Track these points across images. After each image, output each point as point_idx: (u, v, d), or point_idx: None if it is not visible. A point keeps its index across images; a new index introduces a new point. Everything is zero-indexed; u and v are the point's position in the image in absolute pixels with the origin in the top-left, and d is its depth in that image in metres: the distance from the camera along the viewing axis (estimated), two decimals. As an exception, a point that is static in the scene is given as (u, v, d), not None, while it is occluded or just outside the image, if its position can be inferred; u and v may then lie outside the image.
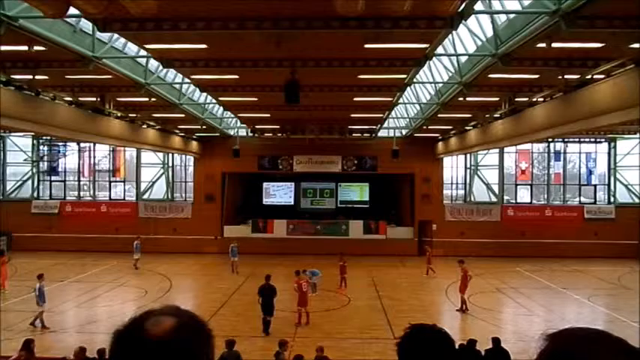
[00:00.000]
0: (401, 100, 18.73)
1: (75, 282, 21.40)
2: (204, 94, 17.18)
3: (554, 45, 9.87)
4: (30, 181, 31.01)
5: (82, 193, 31.48)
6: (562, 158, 30.13)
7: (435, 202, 29.47)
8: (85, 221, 29.72)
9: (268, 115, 20.29)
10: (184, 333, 1.11)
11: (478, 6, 9.39)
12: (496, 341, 10.18)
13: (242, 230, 28.97)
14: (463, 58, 13.99)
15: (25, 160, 30.48)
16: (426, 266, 23.29)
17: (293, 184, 33.16)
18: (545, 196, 30.35)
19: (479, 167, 30.25)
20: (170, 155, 30.50)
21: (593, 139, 29.31)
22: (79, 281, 21.55)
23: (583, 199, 30.20)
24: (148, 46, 10.73)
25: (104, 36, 11.71)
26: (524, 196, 30.50)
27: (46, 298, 14.70)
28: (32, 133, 25.78)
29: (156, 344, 1.07)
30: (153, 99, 16.43)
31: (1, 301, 16.40)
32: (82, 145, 30.11)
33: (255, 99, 16.51)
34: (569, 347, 1.03)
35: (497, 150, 28.54)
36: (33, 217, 29.87)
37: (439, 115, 19.24)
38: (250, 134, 27.74)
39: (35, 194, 30.95)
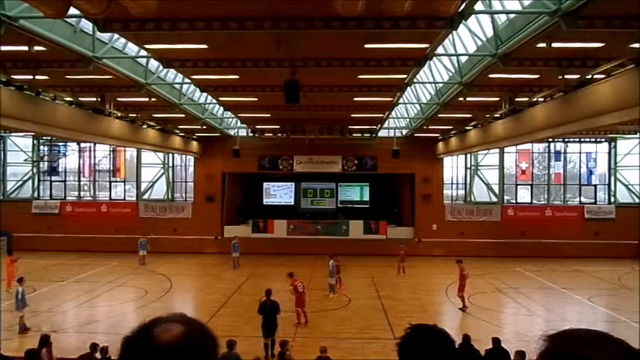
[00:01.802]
0: (401, 100, 18.73)
1: (75, 282, 21.40)
2: (205, 94, 17.18)
3: (554, 45, 9.88)
4: (30, 181, 31.01)
5: (82, 193, 31.48)
6: (562, 158, 30.12)
7: (435, 202, 29.47)
8: (86, 221, 29.72)
9: (268, 115, 20.29)
10: (192, 340, 1.15)
11: (478, 6, 9.39)
12: (496, 341, 10.18)
13: (242, 230, 28.95)
14: (463, 58, 13.99)
15: (25, 160, 30.48)
16: (399, 265, 23.25)
17: (293, 184, 33.16)
18: (546, 196, 30.34)
19: (479, 167, 30.25)
20: (170, 155, 30.50)
21: (593, 139, 29.31)
22: (79, 281, 21.55)
23: (583, 199, 30.19)
24: (148, 46, 10.73)
25: (104, 36, 11.71)
26: (524, 196, 30.50)
27: (27, 302, 14.44)
28: (32, 133, 25.79)
29: (164, 350, 1.11)
30: (153, 99, 16.43)
31: (2, 301, 16.40)
32: (82, 145, 30.12)
33: (255, 99, 16.51)
34: (569, 348, 1.03)
35: (497, 150, 28.54)
36: (33, 217, 29.88)
37: (439, 115, 19.24)
38: (250, 134, 27.76)
39: (35, 194, 30.95)
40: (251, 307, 17.20)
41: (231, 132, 28.04)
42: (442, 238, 28.63)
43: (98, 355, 9.81)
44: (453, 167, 30.49)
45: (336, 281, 20.16)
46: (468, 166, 30.34)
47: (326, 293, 19.00)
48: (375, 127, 24.58)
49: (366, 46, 10.22)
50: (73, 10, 7.08)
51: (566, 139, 29.07)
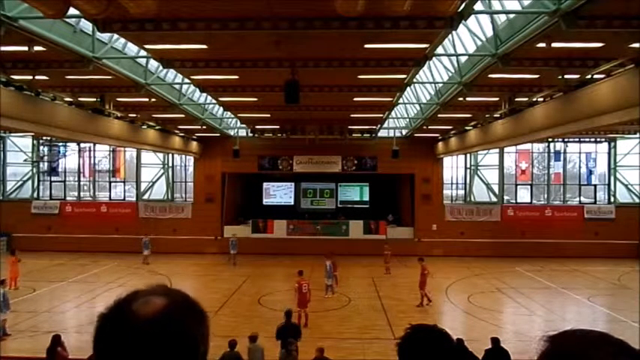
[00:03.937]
0: (401, 100, 18.73)
1: (75, 282, 21.38)
2: (204, 94, 17.18)
3: (554, 45, 9.88)
4: (30, 182, 31.00)
5: (82, 194, 31.47)
6: (562, 158, 30.10)
7: (435, 202, 29.47)
8: (85, 221, 29.70)
9: (268, 115, 20.28)
10: (177, 313, 1.03)
11: (478, 6, 9.39)
12: (495, 341, 10.16)
13: (242, 230, 28.94)
14: (463, 58, 13.98)
15: (25, 160, 30.46)
16: (385, 265, 23.29)
17: (293, 184, 33.16)
18: (545, 196, 30.34)
19: (479, 167, 30.25)
20: (170, 155, 30.49)
21: (593, 139, 29.28)
22: (78, 281, 21.53)
23: (583, 199, 30.18)
24: (147, 47, 10.73)
25: (104, 36, 11.71)
26: (524, 196, 30.49)
27: (9, 304, 14.13)
28: (32, 134, 25.77)
29: (146, 325, 0.98)
30: (153, 99, 16.44)
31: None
32: (82, 145, 30.09)
33: (255, 99, 16.51)
34: (570, 349, 1.03)
35: (497, 150, 28.52)
36: (33, 218, 29.86)
37: (439, 115, 19.23)
38: (250, 134, 27.75)
39: (35, 194, 30.93)
40: (251, 307, 17.30)
41: (231, 132, 28.02)
42: (442, 238, 28.62)
43: None
44: (452, 167, 30.49)
45: (333, 279, 20.11)
46: (468, 166, 30.34)
47: (324, 292, 19.00)
48: (374, 127, 24.58)
49: (366, 46, 10.22)
50: (72, 11, 7.08)
51: (566, 139, 29.05)
